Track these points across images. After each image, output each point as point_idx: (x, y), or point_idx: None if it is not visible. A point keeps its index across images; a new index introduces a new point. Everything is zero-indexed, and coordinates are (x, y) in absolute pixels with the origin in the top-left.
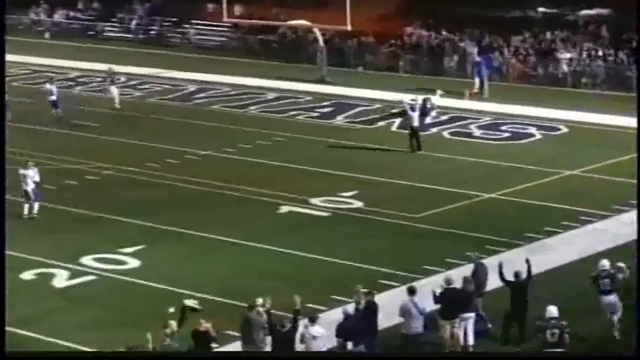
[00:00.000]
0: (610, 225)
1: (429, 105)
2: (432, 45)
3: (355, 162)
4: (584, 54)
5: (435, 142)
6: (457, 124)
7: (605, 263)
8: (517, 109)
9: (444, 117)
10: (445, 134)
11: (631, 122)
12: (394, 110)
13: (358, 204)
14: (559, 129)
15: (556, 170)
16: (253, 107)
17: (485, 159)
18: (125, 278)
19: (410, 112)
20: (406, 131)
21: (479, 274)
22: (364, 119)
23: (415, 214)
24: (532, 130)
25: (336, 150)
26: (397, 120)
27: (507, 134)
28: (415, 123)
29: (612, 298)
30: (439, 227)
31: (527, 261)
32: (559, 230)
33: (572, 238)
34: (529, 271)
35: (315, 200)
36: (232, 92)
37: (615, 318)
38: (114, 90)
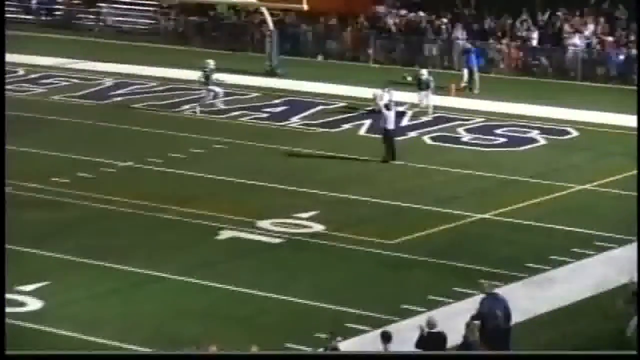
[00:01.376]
0: (631, 252)
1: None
2: (410, 29)
3: (314, 174)
4: (596, 39)
5: (414, 149)
6: (441, 126)
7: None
8: (515, 108)
9: (425, 119)
10: (427, 139)
11: None
12: (366, 109)
13: (318, 227)
14: (567, 133)
15: (564, 185)
16: (186, 107)
17: (476, 170)
18: (24, 324)
19: (384, 112)
20: (379, 135)
21: (489, 314)
22: (325, 120)
23: (390, 240)
24: (534, 134)
25: (290, 160)
26: (367, 122)
27: (502, 139)
28: (391, 125)
29: None
30: (419, 256)
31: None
32: (568, 260)
33: (584, 269)
34: (507, 315)
35: (264, 223)
36: (160, 88)
37: None
38: None
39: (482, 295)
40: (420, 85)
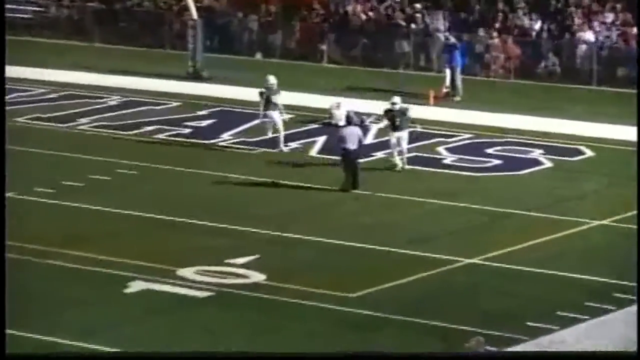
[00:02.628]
0: None
1: (368, 121)
2: (377, 20)
3: (252, 208)
4: (615, 33)
5: (383, 174)
6: (417, 144)
7: None
8: (512, 121)
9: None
10: (397, 160)
11: None
12: (320, 122)
13: (258, 276)
14: (579, 153)
15: (575, 220)
16: (84, 120)
17: (462, 201)
18: None
19: (343, 126)
20: (336, 157)
21: None
22: (265, 137)
23: (350, 292)
24: (537, 154)
25: (221, 190)
26: (321, 139)
27: (496, 162)
28: (352, 144)
29: None
30: (387, 313)
31: None
32: (580, 317)
33: (601, 328)
34: None
35: (186, 272)
36: (51, 95)
37: None
38: None
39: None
40: (394, 122)
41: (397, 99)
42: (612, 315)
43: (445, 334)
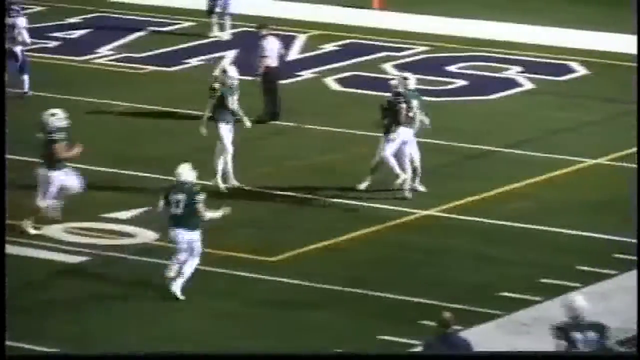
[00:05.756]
0: None
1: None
2: None
3: (140, 146)
4: None
5: (312, 99)
6: (356, 60)
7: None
8: (481, 28)
9: (330, 47)
10: (332, 81)
11: None
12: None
13: (146, 235)
14: (569, 70)
15: (565, 158)
16: None
17: (417, 135)
18: None
19: (263, 38)
20: (252, 77)
21: None
22: (155, 51)
23: (272, 256)
24: (513, 72)
25: (97, 121)
26: (231, 54)
27: (460, 82)
28: (272, 60)
29: None
30: (319, 283)
31: None
32: (572, 284)
33: (601, 298)
34: None
35: (52, 230)
36: None
37: None
38: None
39: (429, 341)
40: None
41: (411, 78)
42: (611, 282)
43: (395, 309)
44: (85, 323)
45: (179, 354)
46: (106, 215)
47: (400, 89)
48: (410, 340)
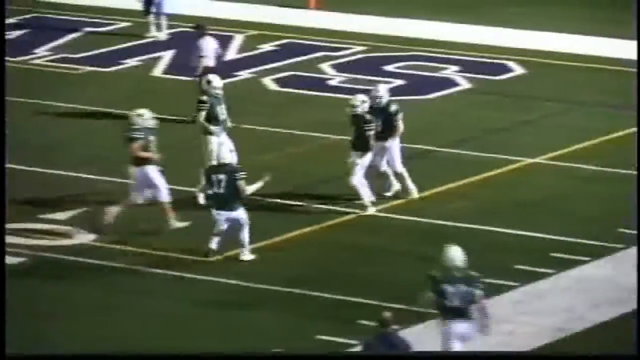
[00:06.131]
0: (611, 267)
1: None
2: None
3: (77, 147)
4: None
5: (249, 99)
6: (293, 60)
7: None
8: (418, 28)
9: (269, 47)
10: (270, 81)
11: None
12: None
13: (84, 237)
14: (506, 70)
15: (502, 157)
16: None
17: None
18: None
19: (199, 38)
20: (189, 78)
21: None
22: (94, 52)
23: (209, 256)
24: (451, 72)
25: (35, 122)
26: (169, 54)
27: (398, 82)
28: (209, 60)
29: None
30: (256, 283)
31: None
32: (511, 283)
33: (539, 297)
34: None
35: None
36: None
37: None
38: None
39: (368, 340)
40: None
41: (382, 88)
42: (551, 280)
43: (332, 308)
44: (24, 325)
45: (180, 354)
46: (44, 216)
47: (359, 111)
48: (349, 340)
